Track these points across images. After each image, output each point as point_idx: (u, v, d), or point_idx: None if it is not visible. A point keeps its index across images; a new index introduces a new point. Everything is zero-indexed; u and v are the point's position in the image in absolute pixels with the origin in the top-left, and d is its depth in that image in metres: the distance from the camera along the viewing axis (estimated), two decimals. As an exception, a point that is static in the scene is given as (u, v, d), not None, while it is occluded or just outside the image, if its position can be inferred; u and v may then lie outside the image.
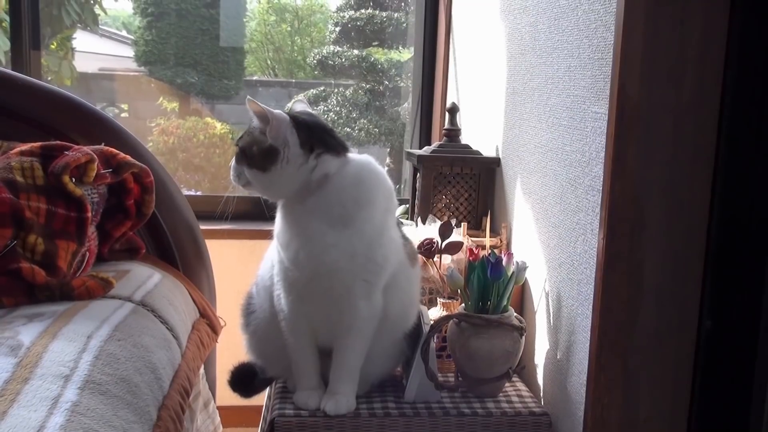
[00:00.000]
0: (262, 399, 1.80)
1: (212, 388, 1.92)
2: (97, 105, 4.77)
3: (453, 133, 1.89)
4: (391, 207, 1.43)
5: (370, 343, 1.40)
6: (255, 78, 5.32)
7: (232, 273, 2.24)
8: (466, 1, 2.25)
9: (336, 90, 4.72)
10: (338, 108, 4.67)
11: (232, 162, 1.38)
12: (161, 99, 4.52)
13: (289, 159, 1.31)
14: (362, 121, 4.56)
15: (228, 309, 2.01)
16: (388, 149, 4.64)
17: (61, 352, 1.14)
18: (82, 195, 1.56)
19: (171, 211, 1.90)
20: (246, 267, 2.35)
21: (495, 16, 1.92)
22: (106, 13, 4.25)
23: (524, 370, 1.60)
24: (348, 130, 4.57)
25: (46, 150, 1.62)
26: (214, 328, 1.79)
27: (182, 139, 4.49)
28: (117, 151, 1.71)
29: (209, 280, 2.01)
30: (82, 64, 4.11)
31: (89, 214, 1.56)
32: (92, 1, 3.99)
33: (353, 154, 1.41)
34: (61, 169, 1.54)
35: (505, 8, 1.84)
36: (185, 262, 1.91)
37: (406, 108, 4.60)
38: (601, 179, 1.27)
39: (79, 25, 3.90)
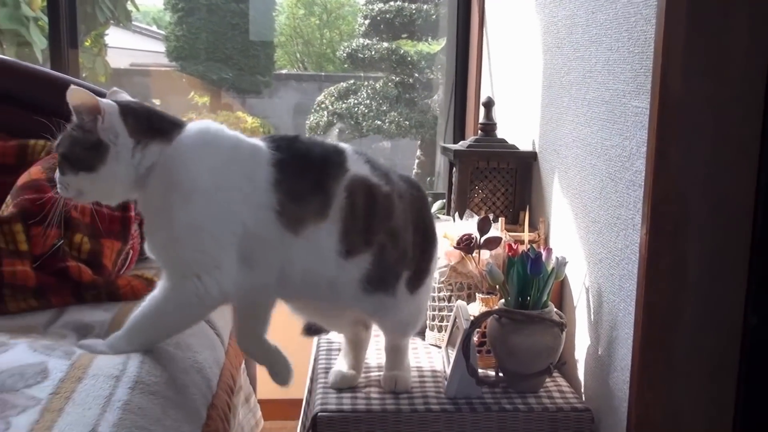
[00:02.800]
0: (301, 392, 1.82)
1: (253, 383, 1.94)
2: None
3: (489, 128, 1.89)
4: (224, 180, 1.27)
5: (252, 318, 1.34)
6: (284, 71, 5.35)
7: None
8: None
9: (366, 83, 4.72)
10: (368, 101, 4.67)
11: (57, 174, 1.25)
12: (192, 94, 4.56)
13: (119, 153, 1.23)
14: (392, 113, 4.56)
15: (278, 312, 2.03)
16: (419, 142, 4.64)
17: (111, 356, 1.16)
18: (125, 193, 1.58)
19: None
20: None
21: (530, 8, 1.91)
22: (138, 9, 4.29)
23: (565, 365, 1.59)
24: (378, 122, 4.58)
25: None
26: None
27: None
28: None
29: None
30: (114, 59, 4.15)
31: (133, 213, 1.59)
32: (123, -3, 4.03)
33: (189, 129, 1.30)
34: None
35: (540, 1, 1.83)
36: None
37: (436, 100, 4.60)
38: (643, 174, 1.26)
39: (111, 21, 3.94)
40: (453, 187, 1.90)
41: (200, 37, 4.66)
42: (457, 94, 2.51)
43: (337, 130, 4.75)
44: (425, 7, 4.72)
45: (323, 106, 4.82)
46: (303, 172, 1.32)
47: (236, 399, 1.59)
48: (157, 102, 4.94)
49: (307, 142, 1.38)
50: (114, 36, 4.24)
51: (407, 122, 4.59)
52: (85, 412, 0.98)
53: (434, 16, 4.71)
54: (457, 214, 1.77)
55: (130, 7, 4.05)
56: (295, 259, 1.30)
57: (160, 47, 4.97)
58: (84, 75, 3.85)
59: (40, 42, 3.38)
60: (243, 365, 1.73)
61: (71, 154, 1.23)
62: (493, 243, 1.61)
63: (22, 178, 1.58)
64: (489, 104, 1.89)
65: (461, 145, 1.90)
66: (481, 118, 1.90)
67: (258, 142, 1.33)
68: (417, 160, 4.70)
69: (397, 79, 4.70)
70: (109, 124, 1.22)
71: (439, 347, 1.70)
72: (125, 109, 1.25)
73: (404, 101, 4.69)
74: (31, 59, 3.50)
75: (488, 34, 2.33)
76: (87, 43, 4.00)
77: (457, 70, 2.51)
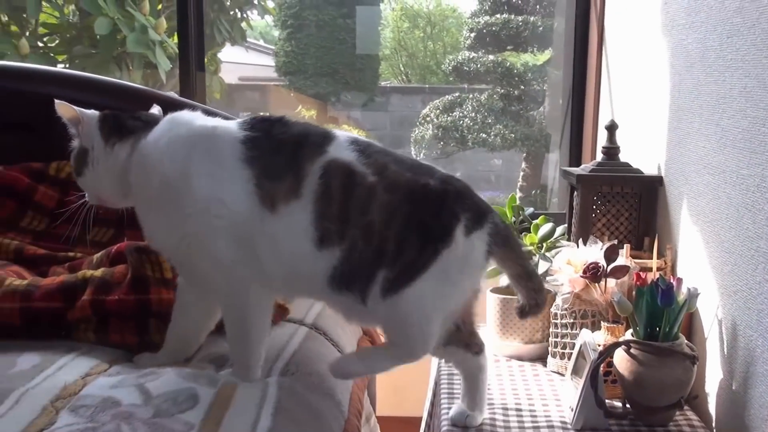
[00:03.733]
0: (417, 409, 1.84)
1: (372, 402, 1.97)
2: (239, 114, 4.96)
3: (612, 151, 1.86)
4: (188, 167, 1.30)
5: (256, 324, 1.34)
6: (389, 85, 5.41)
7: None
8: (620, 15, 2.21)
9: (470, 95, 4.71)
10: (473, 114, 4.66)
11: None
12: (300, 107, 4.67)
13: (97, 157, 1.34)
14: (498, 126, 4.54)
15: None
16: (524, 154, 4.60)
17: (251, 385, 1.22)
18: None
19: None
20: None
21: (655, 29, 1.87)
22: (252, 29, 4.43)
23: (696, 399, 1.55)
24: (484, 135, 4.57)
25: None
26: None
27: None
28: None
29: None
30: (223, 74, 4.31)
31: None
32: (240, 18, 4.17)
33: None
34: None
35: (668, 23, 1.79)
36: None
37: (542, 112, 4.54)
38: (786, 207, 1.22)
39: (228, 41, 4.08)
40: (574, 212, 1.88)
41: (308, 52, 4.77)
42: (574, 115, 2.48)
43: (441, 143, 4.77)
44: (532, 19, 4.67)
45: (428, 119, 4.85)
46: (278, 148, 1.31)
47: (361, 420, 1.63)
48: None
49: (289, 122, 1.35)
50: (222, 50, 4.40)
51: (513, 135, 4.56)
52: (235, 437, 1.03)
53: (541, 28, 4.66)
54: (581, 240, 1.75)
55: (244, 26, 4.19)
56: (279, 243, 1.27)
57: (267, 60, 5.11)
58: (201, 93, 4.02)
59: (164, 64, 3.55)
60: (365, 386, 1.77)
61: (72, 161, 1.39)
62: (620, 272, 1.58)
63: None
64: (612, 128, 1.86)
65: (583, 169, 1.88)
66: (604, 142, 1.87)
67: (224, 123, 1.36)
68: (522, 173, 4.66)
69: (502, 91, 4.67)
70: (87, 131, 1.35)
71: (561, 374, 1.69)
72: (105, 117, 1.37)
73: (509, 114, 4.66)
74: (155, 80, 3.68)
75: (607, 53, 2.29)
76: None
77: (574, 90, 2.47)
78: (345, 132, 1.35)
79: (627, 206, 1.83)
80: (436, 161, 4.69)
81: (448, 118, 4.77)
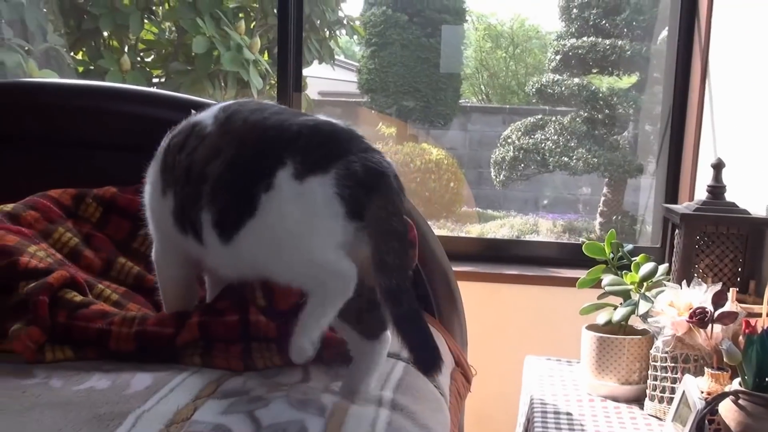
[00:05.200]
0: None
1: (460, 432, 1.95)
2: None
3: (718, 190, 1.81)
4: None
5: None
6: (469, 104, 5.40)
7: (471, 317, 2.18)
8: (726, 50, 2.16)
9: (553, 118, 4.66)
10: (556, 137, 4.61)
11: None
12: (380, 125, 4.71)
13: None
14: (580, 150, 4.48)
15: (471, 354, 2.05)
16: (606, 179, 4.52)
17: (359, 416, 1.22)
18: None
19: (428, 258, 1.92)
20: (485, 310, 2.39)
21: (764, 65, 1.83)
22: (340, 47, 4.48)
23: (807, 455, 1.50)
24: (566, 159, 4.51)
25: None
26: (467, 378, 1.82)
27: (399, 164, 4.64)
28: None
29: (461, 326, 2.01)
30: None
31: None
32: (329, 37, 4.22)
33: None
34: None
35: (781, 62, 1.75)
36: (440, 309, 1.94)
37: (626, 137, 4.47)
38: None
39: (317, 60, 4.14)
40: (675, 251, 1.85)
41: (391, 70, 4.81)
42: (671, 147, 2.42)
43: (522, 165, 4.72)
44: (620, 43, 4.61)
45: (509, 140, 4.82)
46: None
47: (454, 455, 1.61)
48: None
49: (232, 104, 1.41)
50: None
51: (595, 159, 4.49)
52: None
53: (629, 53, 4.59)
54: (684, 281, 1.71)
55: (332, 45, 4.24)
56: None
57: (345, 75, 5.17)
58: (287, 110, 4.09)
59: (257, 83, 3.63)
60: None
61: None
62: (728, 318, 1.54)
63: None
64: (719, 166, 1.82)
65: (687, 207, 1.84)
66: (710, 180, 1.83)
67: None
68: (602, 198, 4.59)
69: (586, 114, 4.61)
70: None
71: (659, 419, 1.65)
72: None
73: (593, 138, 4.59)
74: (244, 97, 3.76)
75: (711, 88, 2.24)
76: (292, 81, 4.24)
77: (673, 121, 2.42)
78: (250, 99, 1.48)
79: (732, 248, 1.78)
80: (514, 183, 4.68)
81: (530, 140, 4.74)
